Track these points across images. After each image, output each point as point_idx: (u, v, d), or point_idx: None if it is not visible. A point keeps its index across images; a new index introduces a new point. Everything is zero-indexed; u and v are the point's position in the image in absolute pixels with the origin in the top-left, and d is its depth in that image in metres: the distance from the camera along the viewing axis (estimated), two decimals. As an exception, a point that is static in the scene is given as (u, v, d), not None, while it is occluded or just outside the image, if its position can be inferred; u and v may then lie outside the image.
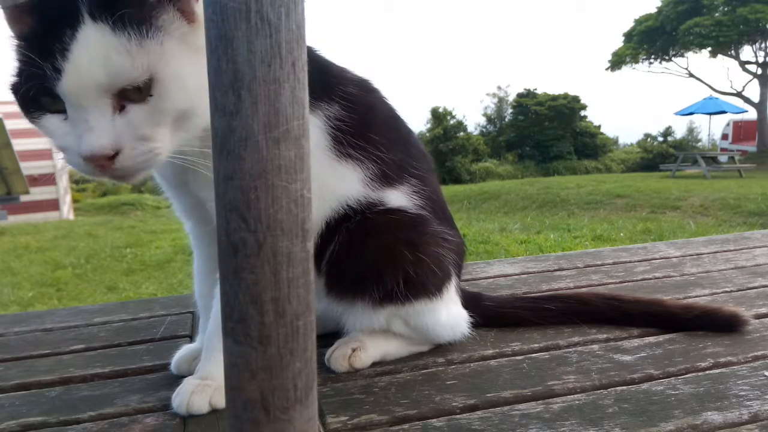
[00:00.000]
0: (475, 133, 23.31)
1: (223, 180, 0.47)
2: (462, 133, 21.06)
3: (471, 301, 1.11)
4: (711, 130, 19.80)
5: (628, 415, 0.79)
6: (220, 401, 0.84)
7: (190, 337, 1.19)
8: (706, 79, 27.61)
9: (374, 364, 0.99)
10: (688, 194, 7.89)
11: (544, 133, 21.86)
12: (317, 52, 0.92)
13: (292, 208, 0.47)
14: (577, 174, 17.71)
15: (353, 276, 0.95)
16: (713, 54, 18.55)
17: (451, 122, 21.13)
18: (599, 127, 23.41)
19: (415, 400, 0.86)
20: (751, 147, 18.08)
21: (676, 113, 16.48)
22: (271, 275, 0.47)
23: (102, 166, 0.67)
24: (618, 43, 21.56)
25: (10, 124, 5.94)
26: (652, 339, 1.07)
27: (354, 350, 0.98)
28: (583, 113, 22.77)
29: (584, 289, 1.39)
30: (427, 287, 0.96)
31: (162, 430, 0.81)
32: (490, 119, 24.89)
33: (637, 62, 20.35)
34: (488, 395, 0.87)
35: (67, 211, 10.54)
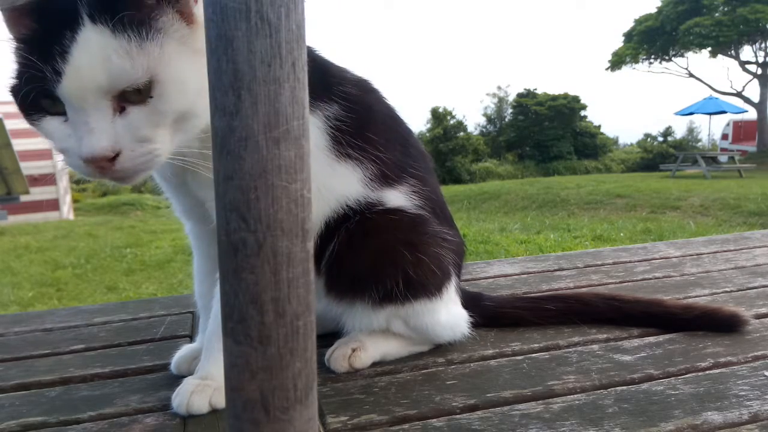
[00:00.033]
0: (475, 133, 23.31)
1: (223, 180, 0.47)
2: (462, 133, 21.06)
3: (471, 301, 1.11)
4: (711, 130, 19.82)
5: (628, 415, 0.79)
6: (220, 401, 0.84)
7: (190, 337, 1.19)
8: (706, 79, 27.59)
9: (374, 364, 0.99)
10: (688, 194, 7.89)
11: (544, 133, 21.86)
12: (317, 52, 0.92)
13: (292, 208, 0.47)
14: (577, 174, 17.71)
15: (353, 276, 0.95)
16: (713, 54, 18.56)
17: (451, 122, 21.13)
18: (599, 127, 23.42)
19: (415, 400, 0.86)
20: (751, 147, 18.09)
21: (676, 113, 16.49)
22: (271, 275, 0.47)
23: (102, 168, 0.67)
24: (618, 43, 21.59)
25: (10, 124, 5.94)
26: (652, 339, 1.07)
27: (354, 350, 0.98)
28: (583, 113, 22.78)
29: (584, 289, 1.39)
30: (427, 287, 0.96)
31: (162, 430, 0.81)
32: (490, 119, 24.89)
33: (637, 62, 20.36)
34: (488, 395, 0.87)
35: (67, 211, 10.54)
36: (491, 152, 22.16)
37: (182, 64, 0.67)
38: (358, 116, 0.92)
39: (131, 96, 0.66)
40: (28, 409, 0.89)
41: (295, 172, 0.47)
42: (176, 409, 0.84)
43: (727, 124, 20.75)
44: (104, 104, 0.65)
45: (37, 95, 0.66)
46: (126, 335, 1.22)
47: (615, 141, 27.71)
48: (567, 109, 21.95)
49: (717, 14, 17.47)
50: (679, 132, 28.02)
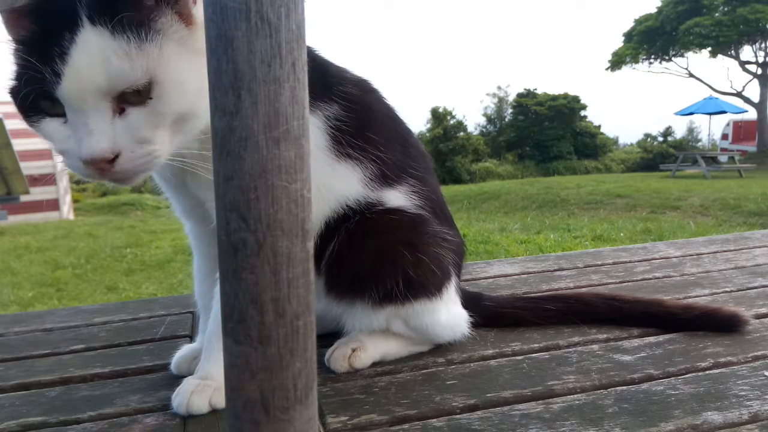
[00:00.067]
0: (475, 133, 23.32)
1: (223, 180, 0.47)
2: (462, 133, 21.07)
3: (471, 301, 1.11)
4: (711, 130, 19.79)
5: (628, 415, 0.79)
6: (220, 401, 0.84)
7: (190, 337, 1.19)
8: (706, 79, 27.60)
9: (374, 364, 0.99)
10: (688, 194, 7.89)
11: (544, 133, 21.86)
12: (316, 52, 0.92)
13: (292, 208, 0.47)
14: (577, 174, 17.71)
15: (353, 276, 0.95)
16: (713, 54, 18.56)
17: (451, 122, 21.13)
18: (599, 127, 23.43)
19: (415, 400, 0.86)
20: (751, 147, 18.09)
21: (676, 113, 16.48)
22: (271, 275, 0.47)
23: (102, 170, 0.67)
24: (618, 43, 21.60)
25: (10, 124, 5.94)
26: (652, 339, 1.07)
27: (354, 350, 0.98)
28: (583, 113, 22.78)
29: (584, 289, 1.39)
30: (427, 287, 0.96)
31: (162, 430, 0.81)
32: (490, 119, 24.90)
33: (637, 62, 20.36)
34: (488, 395, 0.87)
35: (67, 211, 10.53)
36: (491, 152, 22.16)
37: (181, 65, 0.67)
38: (358, 116, 0.92)
39: (131, 97, 0.66)
40: (28, 409, 0.89)
41: (295, 172, 0.47)
42: (176, 409, 0.84)
43: (727, 124, 20.75)
44: (104, 105, 0.65)
45: (37, 97, 0.66)
46: (126, 335, 1.22)
47: (615, 141, 27.73)
48: (567, 109, 21.95)
49: (717, 14, 17.47)
50: (679, 132, 28.07)
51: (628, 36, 20.09)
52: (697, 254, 1.72)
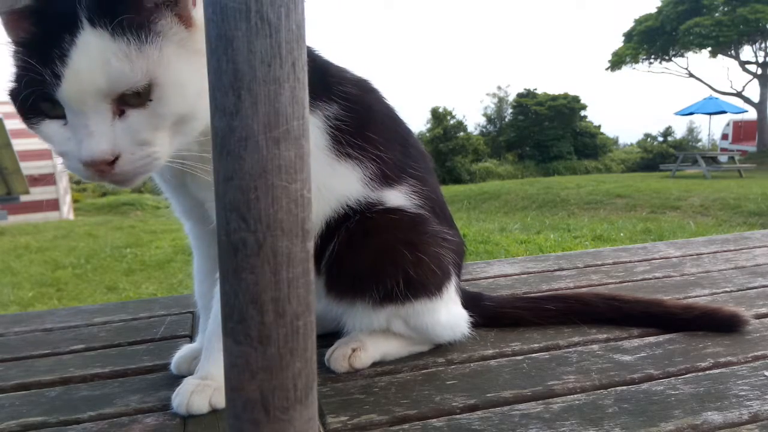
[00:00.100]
0: (475, 133, 23.32)
1: (223, 180, 0.47)
2: (462, 133, 21.07)
3: (471, 301, 1.11)
4: (711, 130, 19.79)
5: (628, 415, 0.79)
6: (220, 401, 0.84)
7: (190, 337, 1.19)
8: (706, 79, 27.61)
9: (374, 364, 0.99)
10: (688, 194, 7.89)
11: (544, 133, 21.86)
12: (316, 52, 0.92)
13: (292, 208, 0.47)
14: (577, 174, 17.71)
15: (353, 276, 0.95)
16: (713, 54, 18.56)
17: (451, 122, 21.13)
18: (599, 127, 23.43)
19: (415, 400, 0.86)
20: (751, 147, 18.09)
21: (676, 113, 16.48)
22: (271, 275, 0.47)
23: (102, 171, 0.67)
24: (618, 43, 21.60)
25: (10, 124, 5.94)
26: (652, 339, 1.07)
27: (354, 350, 0.98)
28: (583, 113, 22.78)
29: (584, 289, 1.39)
30: (427, 287, 0.96)
31: (162, 430, 0.81)
32: (490, 119, 24.90)
33: (637, 62, 20.36)
34: (488, 395, 0.87)
35: (67, 211, 10.53)
36: (491, 152, 22.16)
37: (181, 67, 0.67)
38: (358, 116, 0.92)
39: (130, 99, 0.66)
40: (28, 409, 0.89)
41: (295, 172, 0.47)
42: (176, 409, 0.84)
43: (727, 124, 20.75)
44: (104, 107, 0.65)
45: (37, 99, 0.66)
46: (126, 335, 1.22)
47: (615, 141, 27.73)
48: (567, 109, 21.95)
49: (717, 14, 17.47)
50: (679, 132, 28.08)
51: (628, 36, 20.09)
52: (697, 254, 1.72)
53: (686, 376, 0.91)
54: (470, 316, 1.07)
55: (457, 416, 0.82)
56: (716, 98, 15.95)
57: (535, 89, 23.48)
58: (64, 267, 5.04)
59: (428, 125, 21.36)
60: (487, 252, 4.64)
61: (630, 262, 1.66)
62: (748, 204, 6.96)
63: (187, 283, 3.40)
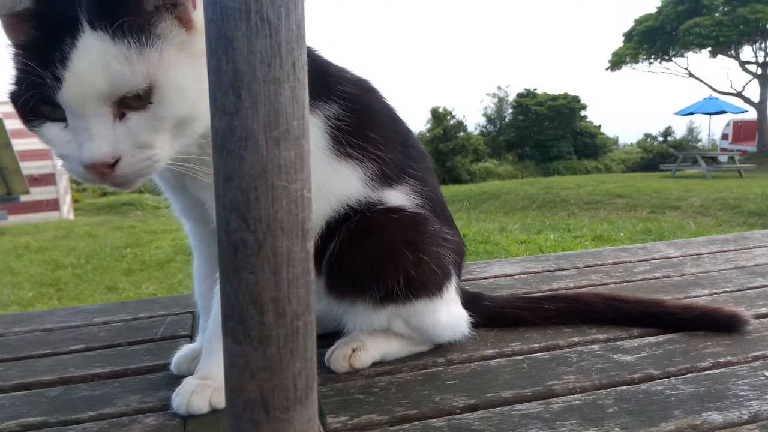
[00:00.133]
0: (475, 133, 23.34)
1: (223, 180, 0.47)
2: (462, 133, 21.08)
3: (471, 301, 1.11)
4: (711, 130, 19.80)
5: (628, 415, 0.79)
6: (220, 401, 0.84)
7: (190, 337, 1.19)
8: (706, 79, 27.60)
9: (374, 364, 0.99)
10: (688, 194, 7.89)
11: (544, 133, 21.87)
12: (316, 52, 0.92)
13: (292, 208, 0.47)
14: (577, 174, 17.71)
15: (354, 276, 0.95)
16: (713, 54, 18.57)
17: (451, 122, 21.14)
18: (599, 127, 23.44)
19: (415, 400, 0.86)
20: (751, 147, 18.09)
21: (676, 113, 16.49)
22: (271, 275, 0.47)
23: (102, 174, 0.67)
24: (618, 43, 21.60)
25: (10, 124, 5.93)
26: (652, 339, 1.07)
27: (354, 350, 0.98)
28: (583, 113, 22.79)
29: (584, 289, 1.39)
30: (428, 287, 0.96)
31: (162, 430, 0.81)
32: (490, 119, 24.91)
33: (637, 62, 20.37)
34: (488, 395, 0.87)
35: (67, 211, 10.53)
36: (491, 152, 22.17)
37: (181, 69, 0.67)
38: (358, 116, 0.92)
39: (131, 102, 0.66)
40: (28, 409, 0.89)
41: (295, 172, 0.47)
42: (176, 409, 0.84)
43: (727, 124, 20.74)
44: (104, 110, 0.65)
45: (37, 101, 0.66)
46: (126, 335, 1.22)
47: (615, 141, 27.74)
48: (567, 109, 21.96)
49: (717, 14, 17.48)
50: (679, 132, 28.09)
51: (628, 36, 20.10)
52: (697, 254, 1.72)
53: (686, 376, 0.91)
54: (470, 316, 1.07)
55: (457, 416, 0.82)
56: (716, 98, 15.96)
57: (535, 89, 23.51)
58: (64, 267, 5.04)
59: (428, 125, 21.38)
60: (487, 252, 4.65)
61: (630, 262, 1.66)
62: (748, 204, 6.96)
63: (187, 283, 3.40)
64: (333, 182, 0.91)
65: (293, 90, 0.47)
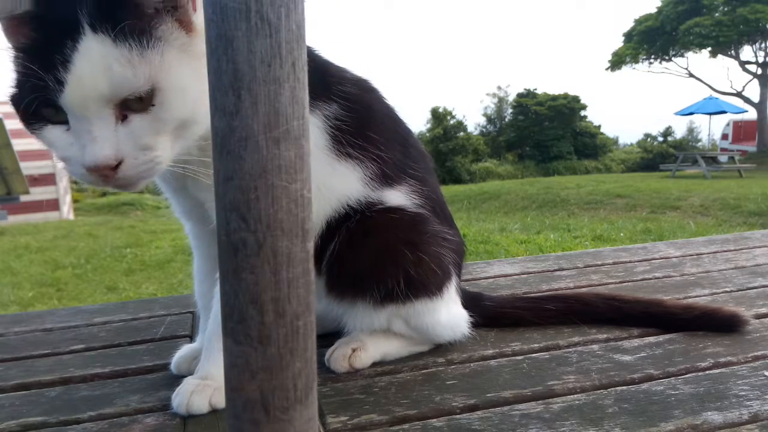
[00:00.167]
0: (475, 133, 23.34)
1: (223, 180, 0.47)
2: (462, 133, 21.08)
3: (471, 301, 1.11)
4: (711, 130, 19.79)
5: (628, 415, 0.79)
6: (220, 401, 0.84)
7: (190, 337, 1.19)
8: (706, 79, 27.61)
9: (374, 364, 0.99)
10: (688, 194, 7.89)
11: (544, 133, 21.87)
12: (316, 52, 0.92)
13: (292, 208, 0.47)
14: (577, 174, 17.71)
15: (354, 276, 0.95)
16: (713, 54, 18.57)
17: (451, 122, 21.14)
18: (599, 127, 23.45)
19: (415, 400, 0.86)
20: (751, 147, 18.09)
21: (676, 113, 16.48)
22: (271, 275, 0.47)
23: (105, 177, 0.67)
24: (618, 43, 21.60)
25: (10, 124, 5.93)
26: (652, 339, 1.07)
27: (354, 350, 0.98)
28: (583, 113, 22.80)
29: (584, 289, 1.39)
30: (428, 287, 0.96)
31: (162, 430, 0.81)
32: (490, 119, 24.91)
33: (637, 62, 20.37)
34: (488, 395, 0.87)
35: (67, 211, 10.52)
36: (491, 152, 22.17)
37: (183, 71, 0.68)
38: (358, 115, 0.92)
39: (133, 104, 0.66)
40: (28, 409, 0.89)
41: (295, 172, 0.47)
42: (176, 409, 0.84)
43: (727, 124, 20.75)
44: (106, 113, 0.65)
45: (39, 105, 0.66)
46: (126, 335, 1.22)
47: (615, 141, 27.75)
48: (567, 109, 21.96)
49: (717, 14, 17.48)
50: (679, 132, 28.11)
51: (628, 36, 20.09)
52: (697, 254, 1.72)
53: (686, 376, 0.91)
54: (470, 316, 1.07)
55: (457, 416, 0.82)
56: (716, 98, 15.95)
57: (535, 89, 23.51)
58: (64, 267, 5.04)
59: (428, 125, 21.38)
60: (487, 252, 4.64)
61: (630, 262, 1.66)
62: (748, 204, 6.96)
63: (187, 283, 3.40)
64: (333, 182, 0.92)
65: (293, 90, 0.47)
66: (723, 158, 13.72)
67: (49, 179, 9.45)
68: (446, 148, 19.62)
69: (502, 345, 1.06)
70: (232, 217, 0.47)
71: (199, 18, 0.69)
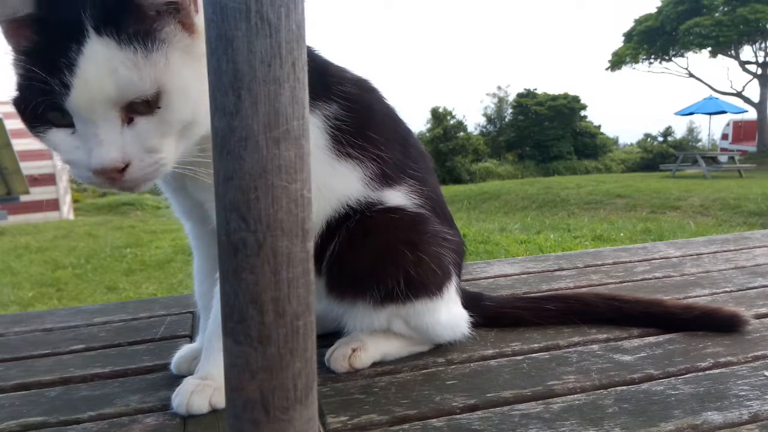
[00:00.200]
0: (475, 133, 23.34)
1: (223, 180, 0.47)
2: (462, 133, 21.08)
3: (471, 301, 1.11)
4: (711, 130, 19.80)
5: (628, 415, 0.79)
6: (220, 401, 0.84)
7: (190, 337, 1.19)
8: (706, 79, 27.62)
9: (374, 364, 0.99)
10: (688, 194, 7.89)
11: (544, 133, 21.87)
12: (316, 52, 0.92)
13: (292, 208, 0.47)
14: (577, 174, 17.71)
15: (354, 276, 0.95)
16: (713, 54, 18.57)
17: (451, 122, 21.14)
18: (599, 127, 23.45)
19: (415, 400, 0.86)
20: (751, 147, 18.09)
21: (676, 113, 16.49)
22: (271, 275, 0.47)
23: (112, 179, 0.67)
24: (618, 43, 21.61)
25: (10, 124, 5.94)
26: (652, 339, 1.07)
27: (354, 350, 0.98)
28: (583, 113, 22.79)
29: (584, 289, 1.39)
30: (428, 287, 0.96)
31: (162, 430, 0.81)
32: (490, 119, 24.91)
33: (637, 62, 20.37)
34: (488, 395, 0.87)
35: (67, 211, 10.52)
36: (491, 152, 22.17)
37: (187, 73, 0.68)
38: (358, 115, 0.92)
39: (139, 107, 0.66)
40: (28, 409, 0.89)
41: (295, 172, 0.47)
42: (176, 409, 0.84)
43: (727, 124, 20.74)
44: (113, 115, 0.65)
45: (44, 108, 0.66)
46: (126, 335, 1.22)
47: (615, 141, 27.75)
48: (567, 109, 21.96)
49: (717, 14, 17.48)
50: (679, 132, 28.12)
51: (628, 36, 20.09)
52: (697, 254, 1.72)
53: (686, 376, 0.91)
54: (470, 316, 1.07)
55: (457, 416, 0.82)
56: (716, 98, 15.96)
57: (535, 89, 23.51)
58: (64, 267, 5.04)
59: (428, 125, 21.38)
60: (487, 252, 4.64)
61: (630, 262, 1.66)
62: (748, 204, 6.96)
63: (187, 283, 3.40)
64: (333, 182, 0.92)
65: (293, 90, 0.47)
66: (723, 158, 13.72)
67: (49, 179, 9.46)
68: (446, 148, 19.62)
69: (502, 345, 1.06)
70: (232, 217, 0.47)
71: (200, 19, 0.69)
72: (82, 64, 0.63)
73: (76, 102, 0.63)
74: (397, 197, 0.97)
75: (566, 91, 23.76)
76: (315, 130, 0.88)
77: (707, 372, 0.92)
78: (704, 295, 1.32)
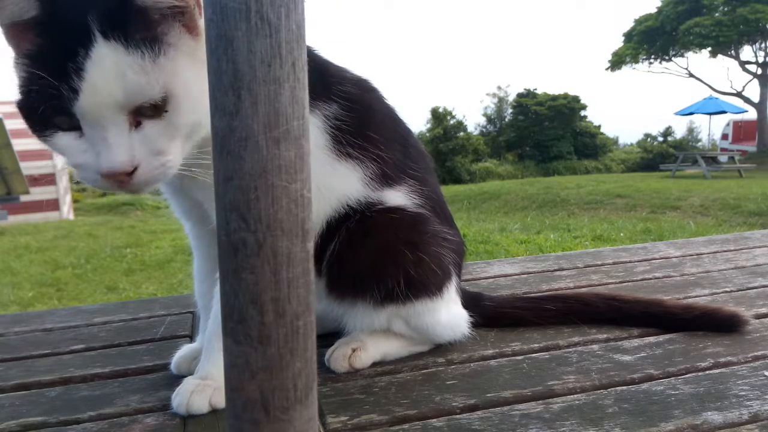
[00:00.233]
0: (475, 133, 23.35)
1: (223, 180, 0.47)
2: (462, 133, 21.08)
3: (471, 301, 1.11)
4: (711, 130, 19.80)
5: (628, 415, 0.79)
6: (220, 401, 0.84)
7: (190, 337, 1.19)
8: (706, 79, 27.61)
9: (374, 364, 0.99)
10: (688, 194, 7.89)
11: (544, 133, 21.87)
12: (316, 52, 0.92)
13: (292, 208, 0.47)
14: (577, 174, 17.71)
15: (354, 276, 0.95)
16: (713, 54, 18.57)
17: (451, 122, 21.14)
18: (599, 127, 23.45)
19: (415, 400, 0.86)
20: (751, 147, 18.09)
21: (676, 113, 16.49)
22: (271, 275, 0.47)
23: (120, 182, 0.68)
24: (618, 43, 21.61)
25: (10, 124, 5.94)
26: (652, 339, 1.07)
27: (354, 350, 0.98)
28: (583, 113, 22.79)
29: (584, 289, 1.39)
30: (428, 287, 0.96)
31: (162, 430, 0.81)
32: (490, 119, 24.91)
33: (637, 62, 20.38)
34: (488, 395, 0.87)
35: (67, 211, 10.52)
36: (491, 152, 22.17)
37: (192, 76, 0.68)
38: (358, 115, 0.92)
39: (146, 111, 0.66)
40: (28, 409, 0.89)
41: (295, 172, 0.47)
42: (176, 409, 0.84)
43: (727, 124, 20.75)
44: (121, 119, 0.65)
45: (51, 112, 0.66)
46: (126, 335, 1.22)
47: (615, 141, 27.76)
48: (567, 109, 21.96)
49: (717, 14, 17.49)
50: (679, 132, 28.13)
51: (628, 36, 20.10)
52: (697, 254, 1.72)
53: (686, 376, 0.91)
54: (470, 316, 1.07)
55: (457, 416, 0.82)
56: (716, 98, 15.96)
57: (535, 89, 23.51)
58: (64, 267, 5.04)
59: (428, 125, 21.38)
60: (487, 252, 4.65)
61: (630, 262, 1.66)
62: (748, 204, 6.96)
63: (187, 283, 3.40)
64: (333, 182, 0.92)
65: (293, 90, 0.47)
66: (723, 158, 13.72)
67: (49, 179, 9.45)
68: (446, 148, 19.62)
69: (502, 345, 1.06)
70: (232, 217, 0.47)
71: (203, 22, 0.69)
72: (90, 69, 0.63)
73: (84, 106, 0.63)
74: (397, 197, 0.97)
75: (566, 91, 23.79)
76: (315, 130, 0.88)
77: (707, 372, 0.92)
78: (704, 295, 1.32)
